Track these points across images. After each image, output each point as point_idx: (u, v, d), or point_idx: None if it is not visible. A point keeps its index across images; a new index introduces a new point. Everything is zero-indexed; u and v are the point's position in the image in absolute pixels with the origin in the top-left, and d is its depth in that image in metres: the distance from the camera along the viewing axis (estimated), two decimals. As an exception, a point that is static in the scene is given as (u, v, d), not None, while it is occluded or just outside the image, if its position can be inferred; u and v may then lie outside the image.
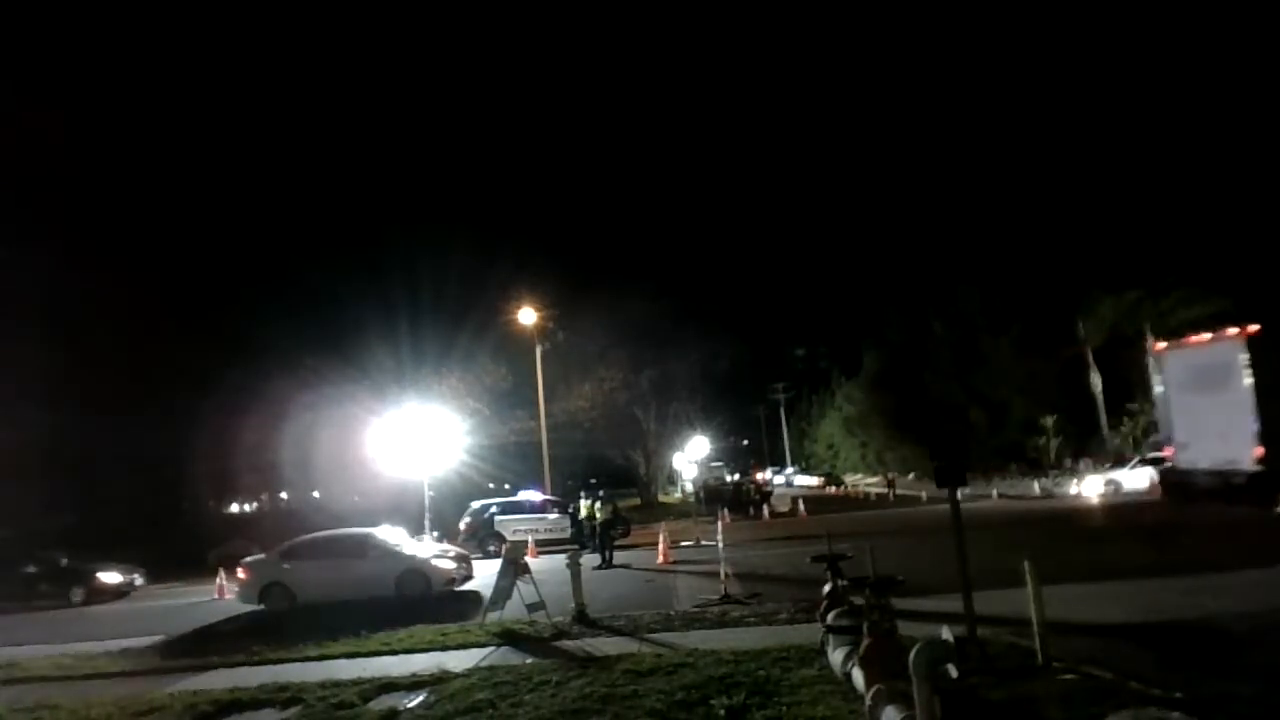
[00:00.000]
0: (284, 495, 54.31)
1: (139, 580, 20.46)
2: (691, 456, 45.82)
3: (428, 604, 12.87)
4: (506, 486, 36.26)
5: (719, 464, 59.74)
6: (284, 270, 53.85)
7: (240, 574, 14.51)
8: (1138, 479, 26.33)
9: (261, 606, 14.00)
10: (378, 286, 45.17)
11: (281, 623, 12.62)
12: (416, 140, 75.02)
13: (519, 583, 10.77)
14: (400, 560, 14.16)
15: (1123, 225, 34.34)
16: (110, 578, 19.98)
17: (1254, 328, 13.91)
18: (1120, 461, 30.14)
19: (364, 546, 14.63)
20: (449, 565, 14.46)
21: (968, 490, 30.19)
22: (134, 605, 18.58)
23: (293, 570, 14.16)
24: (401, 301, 36.53)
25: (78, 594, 19.19)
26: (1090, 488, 28.19)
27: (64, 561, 20.28)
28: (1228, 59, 39.35)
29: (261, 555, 15.13)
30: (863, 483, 52.60)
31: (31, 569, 20.03)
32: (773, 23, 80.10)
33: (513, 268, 35.47)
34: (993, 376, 36.77)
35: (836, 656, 6.05)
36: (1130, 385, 35.78)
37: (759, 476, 53.09)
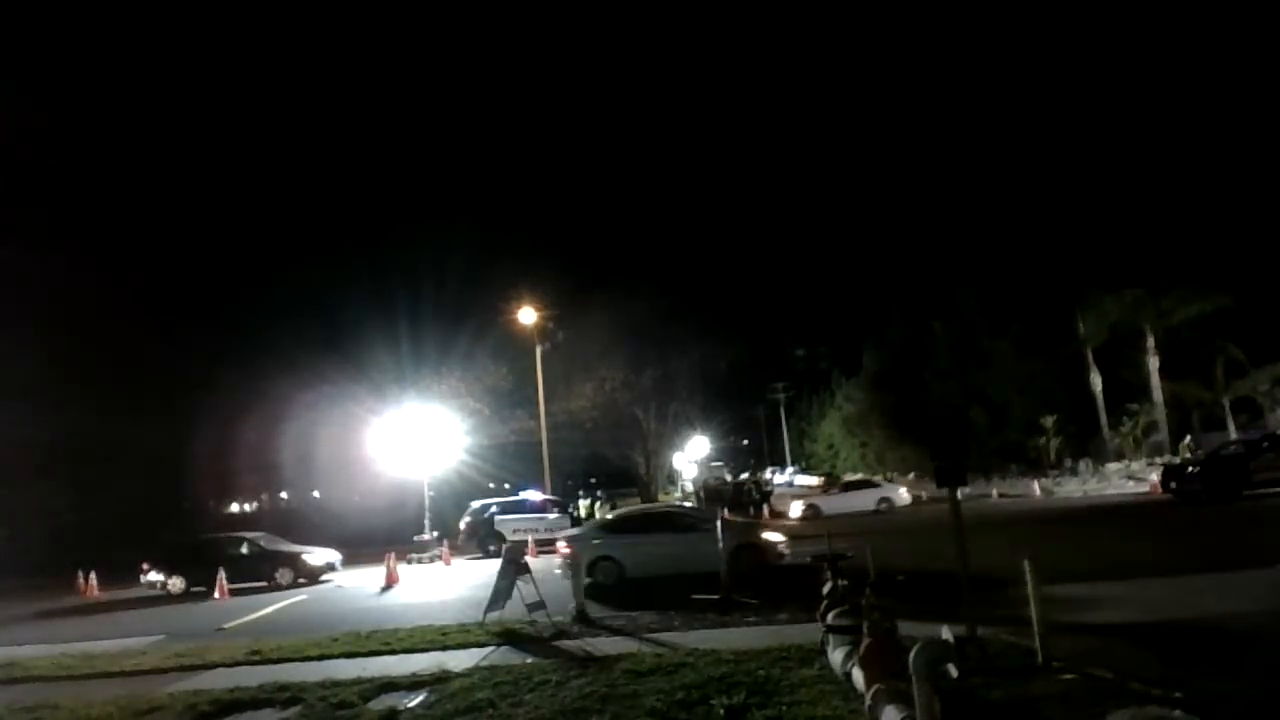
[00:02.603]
0: (284, 495, 54.41)
1: (337, 564, 20.41)
2: (691, 456, 45.78)
3: (762, 579, 12.26)
4: (506, 486, 36.26)
5: (719, 464, 59.77)
6: (285, 270, 53.97)
7: (563, 548, 14.10)
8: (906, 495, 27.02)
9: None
10: (378, 286, 45.29)
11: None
12: (417, 140, 75.08)
13: (519, 582, 10.77)
14: (733, 535, 13.39)
15: (1122, 224, 34.27)
16: (315, 559, 20.01)
17: None
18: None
19: (692, 521, 14.37)
20: (779, 539, 14.02)
21: (968, 490, 30.17)
22: (137, 607, 18.56)
23: (621, 545, 13.82)
24: (402, 301, 36.61)
25: (285, 575, 19.33)
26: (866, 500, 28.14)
27: (262, 543, 20.40)
28: (1226, 58, 39.39)
29: (577, 531, 14.67)
30: (863, 483, 52.47)
31: (235, 551, 19.99)
32: (773, 23, 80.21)
33: (513, 268, 35.44)
34: (993, 376, 36.71)
35: (836, 656, 6.05)
36: (1130, 385, 35.86)
37: (768, 476, 53.08)
